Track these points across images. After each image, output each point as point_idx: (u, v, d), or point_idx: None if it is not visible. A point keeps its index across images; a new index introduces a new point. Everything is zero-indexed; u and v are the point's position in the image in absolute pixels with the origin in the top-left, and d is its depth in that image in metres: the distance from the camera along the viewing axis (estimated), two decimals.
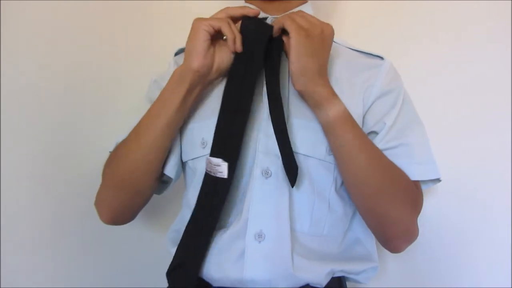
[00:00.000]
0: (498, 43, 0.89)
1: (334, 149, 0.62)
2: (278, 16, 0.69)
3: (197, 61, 0.62)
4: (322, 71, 0.61)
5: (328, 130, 0.61)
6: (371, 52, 0.72)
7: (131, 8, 0.94)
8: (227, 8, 0.64)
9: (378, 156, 0.63)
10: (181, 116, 0.66)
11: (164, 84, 0.72)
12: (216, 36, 0.63)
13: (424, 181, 0.69)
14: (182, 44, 0.77)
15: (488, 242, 0.90)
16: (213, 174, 0.62)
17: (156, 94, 0.73)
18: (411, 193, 0.66)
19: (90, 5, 0.90)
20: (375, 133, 0.67)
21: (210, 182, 0.62)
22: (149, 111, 0.67)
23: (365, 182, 0.62)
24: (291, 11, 0.69)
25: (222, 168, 0.61)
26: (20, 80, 0.85)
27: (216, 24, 0.61)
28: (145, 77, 0.78)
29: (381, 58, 0.71)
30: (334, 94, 0.61)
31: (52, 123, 0.88)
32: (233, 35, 0.62)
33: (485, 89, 0.90)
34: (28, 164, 0.85)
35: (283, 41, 0.62)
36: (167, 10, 0.96)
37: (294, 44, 0.58)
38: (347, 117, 0.61)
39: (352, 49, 0.73)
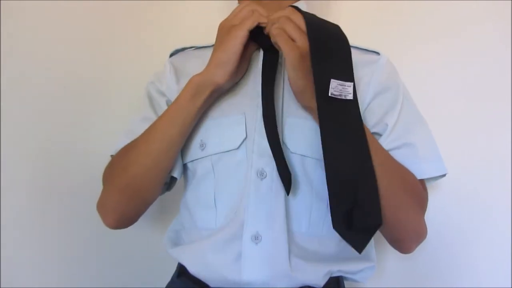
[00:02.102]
0: (498, 43, 0.89)
1: None
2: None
3: (224, 76, 0.62)
4: None
5: None
6: (366, 48, 0.71)
7: (131, 8, 0.94)
8: (255, 7, 0.63)
9: (386, 159, 0.62)
10: (194, 123, 0.66)
11: (161, 86, 0.73)
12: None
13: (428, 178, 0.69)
14: (182, 44, 0.78)
15: (488, 242, 0.90)
16: (343, 98, 0.57)
17: (154, 95, 0.74)
18: (418, 193, 0.65)
19: (90, 5, 0.90)
20: (377, 134, 0.67)
21: (340, 107, 0.56)
22: (161, 118, 0.65)
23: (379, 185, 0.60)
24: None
25: (350, 90, 0.57)
26: (20, 80, 0.85)
27: (253, 24, 0.60)
28: (146, 77, 0.78)
29: (377, 53, 0.70)
30: None
31: (52, 123, 0.88)
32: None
33: (485, 89, 0.90)
34: (28, 164, 0.86)
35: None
36: (167, 10, 0.96)
37: (289, 65, 0.57)
38: None
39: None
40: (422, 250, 0.92)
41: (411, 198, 0.64)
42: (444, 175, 0.69)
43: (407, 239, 0.66)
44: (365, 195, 0.55)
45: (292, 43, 0.57)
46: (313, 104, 0.56)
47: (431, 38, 0.92)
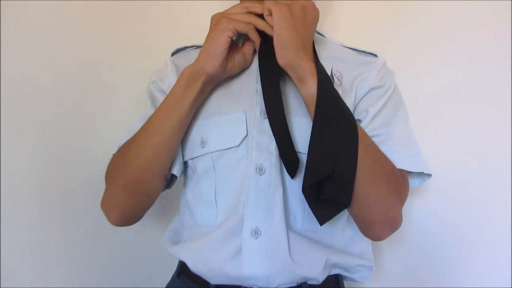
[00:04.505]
0: (498, 43, 0.89)
1: None
2: None
3: (213, 66, 0.63)
4: (307, 47, 0.62)
5: (311, 104, 0.60)
6: (365, 50, 0.73)
7: (131, 8, 0.94)
8: (250, 5, 0.64)
9: (361, 133, 0.61)
10: (191, 115, 0.67)
11: (163, 85, 0.73)
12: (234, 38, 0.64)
13: (415, 175, 0.69)
14: (182, 44, 0.78)
15: (487, 242, 0.90)
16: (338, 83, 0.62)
17: (156, 94, 0.74)
18: (395, 178, 0.64)
19: (90, 5, 0.90)
20: (358, 121, 0.67)
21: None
22: (157, 111, 0.66)
23: None
24: None
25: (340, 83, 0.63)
26: (20, 80, 0.85)
27: (243, 29, 0.62)
28: (147, 77, 0.79)
29: (375, 55, 0.72)
30: (315, 70, 0.60)
31: (52, 123, 0.88)
32: (258, 39, 0.64)
33: (485, 89, 0.90)
34: (28, 164, 0.86)
35: None
36: (167, 10, 0.96)
37: (276, 18, 0.59)
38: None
39: (346, 47, 0.74)
40: (421, 250, 0.92)
41: (386, 180, 0.62)
42: (429, 176, 0.69)
43: (378, 222, 0.63)
44: (342, 173, 0.56)
45: (281, 2, 0.60)
46: (295, 61, 0.59)
47: (431, 38, 0.92)
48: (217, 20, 0.63)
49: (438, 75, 0.91)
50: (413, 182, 0.70)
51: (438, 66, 0.92)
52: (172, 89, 0.65)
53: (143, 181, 0.67)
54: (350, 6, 0.95)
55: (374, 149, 0.63)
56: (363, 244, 0.72)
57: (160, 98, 0.73)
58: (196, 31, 0.84)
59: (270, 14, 0.61)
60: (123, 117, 0.89)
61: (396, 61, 0.75)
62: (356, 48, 0.73)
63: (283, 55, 0.60)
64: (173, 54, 0.77)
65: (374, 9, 0.94)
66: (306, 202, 0.58)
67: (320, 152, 0.57)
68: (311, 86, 0.59)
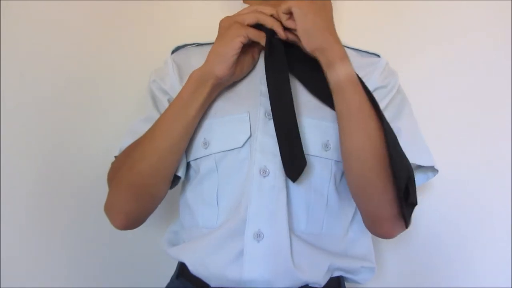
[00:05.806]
0: (498, 43, 0.89)
1: (341, 112, 0.60)
2: None
3: (222, 70, 0.62)
4: (331, 29, 0.61)
5: (337, 91, 0.59)
6: (367, 50, 0.73)
7: (131, 8, 0.94)
8: (259, 7, 0.63)
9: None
10: (198, 119, 0.66)
11: (164, 85, 0.72)
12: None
13: (419, 172, 0.69)
14: (184, 42, 0.78)
15: (487, 242, 0.90)
16: None
17: (157, 94, 0.73)
18: None
19: (90, 5, 0.90)
20: None
21: None
22: (164, 115, 0.65)
23: (369, 151, 0.59)
24: None
25: None
26: (20, 80, 0.85)
27: (255, 38, 0.62)
28: (146, 77, 0.78)
29: (378, 55, 0.72)
30: (346, 55, 0.60)
31: (52, 123, 0.88)
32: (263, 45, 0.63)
33: (485, 90, 0.90)
34: (28, 164, 0.86)
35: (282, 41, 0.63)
36: (167, 10, 0.96)
37: (296, 10, 0.58)
38: (357, 80, 0.60)
39: (349, 48, 0.73)
40: (420, 250, 0.92)
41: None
42: (433, 171, 0.70)
43: (390, 220, 0.63)
44: (412, 176, 0.60)
45: None
46: (324, 44, 0.59)
47: (431, 38, 0.92)
48: (229, 24, 0.63)
49: (438, 75, 0.91)
50: (418, 179, 0.69)
51: (438, 66, 0.91)
52: (179, 93, 0.64)
53: (148, 185, 0.66)
54: (350, 6, 0.95)
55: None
56: (366, 245, 0.71)
57: (162, 98, 0.72)
58: (196, 31, 0.84)
59: (289, 18, 0.61)
60: (123, 117, 0.89)
61: (396, 61, 0.75)
62: (358, 49, 0.73)
63: (311, 39, 0.59)
64: (173, 52, 0.76)
65: (374, 9, 0.94)
66: (400, 208, 0.60)
67: (401, 152, 0.60)
68: (339, 72, 0.58)
